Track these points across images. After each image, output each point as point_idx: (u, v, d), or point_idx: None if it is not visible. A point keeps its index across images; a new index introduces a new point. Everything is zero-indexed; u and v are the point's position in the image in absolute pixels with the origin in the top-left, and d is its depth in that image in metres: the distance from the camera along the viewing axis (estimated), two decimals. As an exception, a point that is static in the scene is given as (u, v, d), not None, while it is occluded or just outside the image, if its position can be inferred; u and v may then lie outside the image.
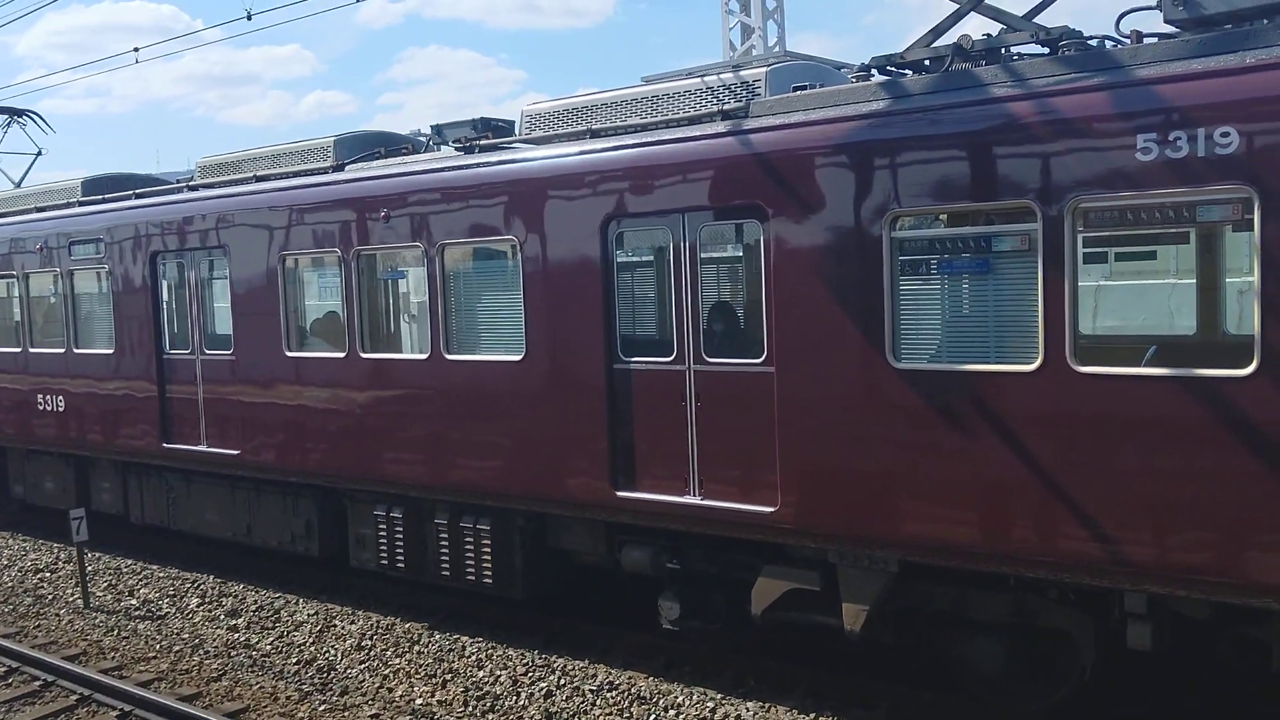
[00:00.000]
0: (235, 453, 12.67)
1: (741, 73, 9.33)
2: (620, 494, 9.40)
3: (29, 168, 18.87)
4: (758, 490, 8.60)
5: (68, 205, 15.48)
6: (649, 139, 9.25)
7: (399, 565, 11.47)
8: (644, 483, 9.31)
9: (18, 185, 18.17)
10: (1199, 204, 6.81)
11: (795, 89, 8.84)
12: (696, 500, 8.96)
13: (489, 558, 10.67)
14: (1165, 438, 6.78)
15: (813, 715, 8.75)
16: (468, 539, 10.81)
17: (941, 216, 7.72)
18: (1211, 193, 6.61)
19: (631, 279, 9.79)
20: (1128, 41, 7.35)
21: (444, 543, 11.02)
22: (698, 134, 8.92)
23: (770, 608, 8.90)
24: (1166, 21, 7.14)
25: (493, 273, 10.65)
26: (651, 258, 9.79)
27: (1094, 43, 7.54)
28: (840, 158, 8.01)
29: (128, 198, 14.38)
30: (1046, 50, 7.67)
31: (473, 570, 10.81)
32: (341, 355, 11.48)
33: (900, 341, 7.83)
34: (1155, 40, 7.15)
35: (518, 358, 9.98)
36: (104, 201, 14.78)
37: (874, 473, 7.97)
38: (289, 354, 11.99)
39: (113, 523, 15.48)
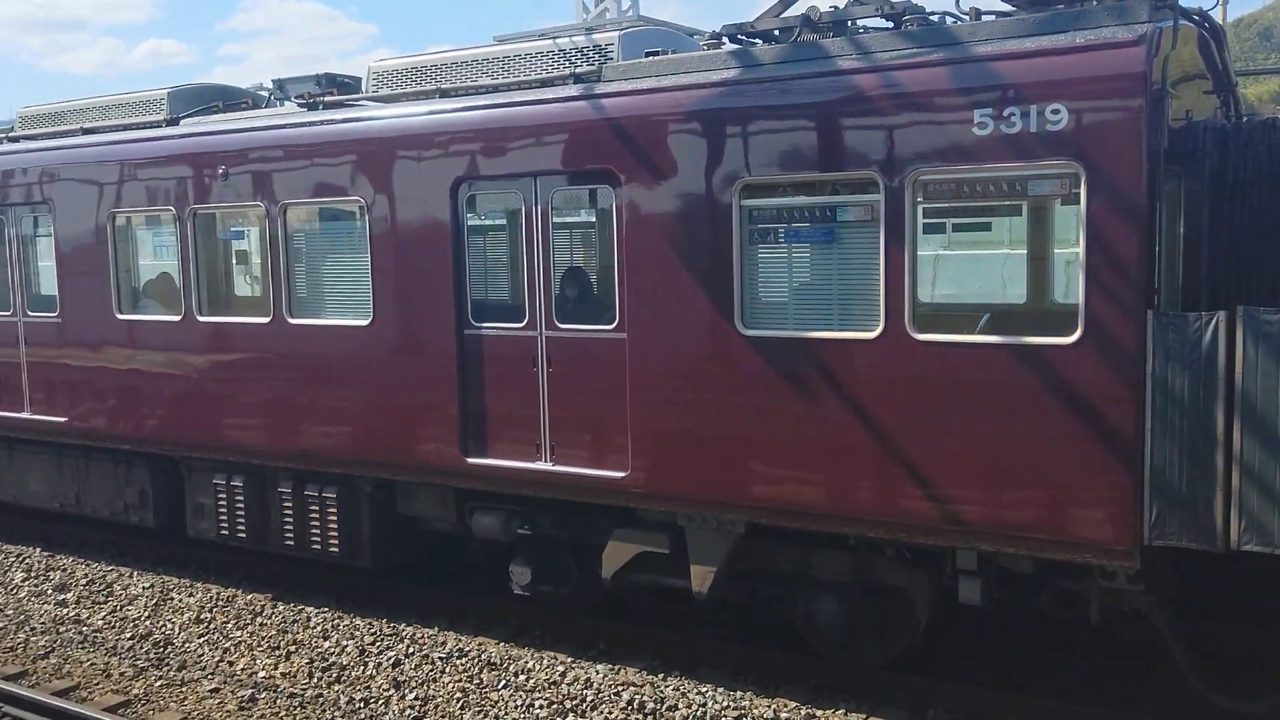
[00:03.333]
0: (62, 420, 12.04)
1: (595, 36, 9.27)
2: (471, 460, 9.30)
3: None
4: (609, 455, 8.63)
5: None
6: (501, 100, 9.10)
7: (240, 535, 11.12)
8: (495, 449, 9.24)
9: None
10: (1030, 178, 7.10)
11: (648, 54, 8.83)
12: (548, 466, 8.94)
13: (335, 526, 10.43)
14: (996, 402, 7.08)
15: (661, 675, 8.90)
16: (313, 507, 10.54)
17: (789, 186, 7.83)
18: (1042, 167, 6.89)
19: (483, 243, 9.66)
20: (967, 18, 7.58)
21: (288, 511, 10.72)
22: (551, 97, 8.83)
23: (620, 571, 8.98)
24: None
25: (339, 234, 10.35)
26: (504, 221, 9.67)
27: (935, 18, 7.76)
28: (692, 125, 8.05)
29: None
30: (891, 24, 7.85)
31: (318, 539, 10.56)
32: (177, 318, 11.01)
33: (748, 309, 7.95)
34: (993, 18, 7.39)
35: (365, 322, 9.74)
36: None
37: (722, 438, 8.09)
38: (120, 316, 11.44)
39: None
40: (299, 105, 10.76)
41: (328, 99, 10.53)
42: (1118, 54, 6.60)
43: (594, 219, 9.47)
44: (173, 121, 11.56)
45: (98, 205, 11.48)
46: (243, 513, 11.06)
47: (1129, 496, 6.74)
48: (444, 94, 9.61)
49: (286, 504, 10.72)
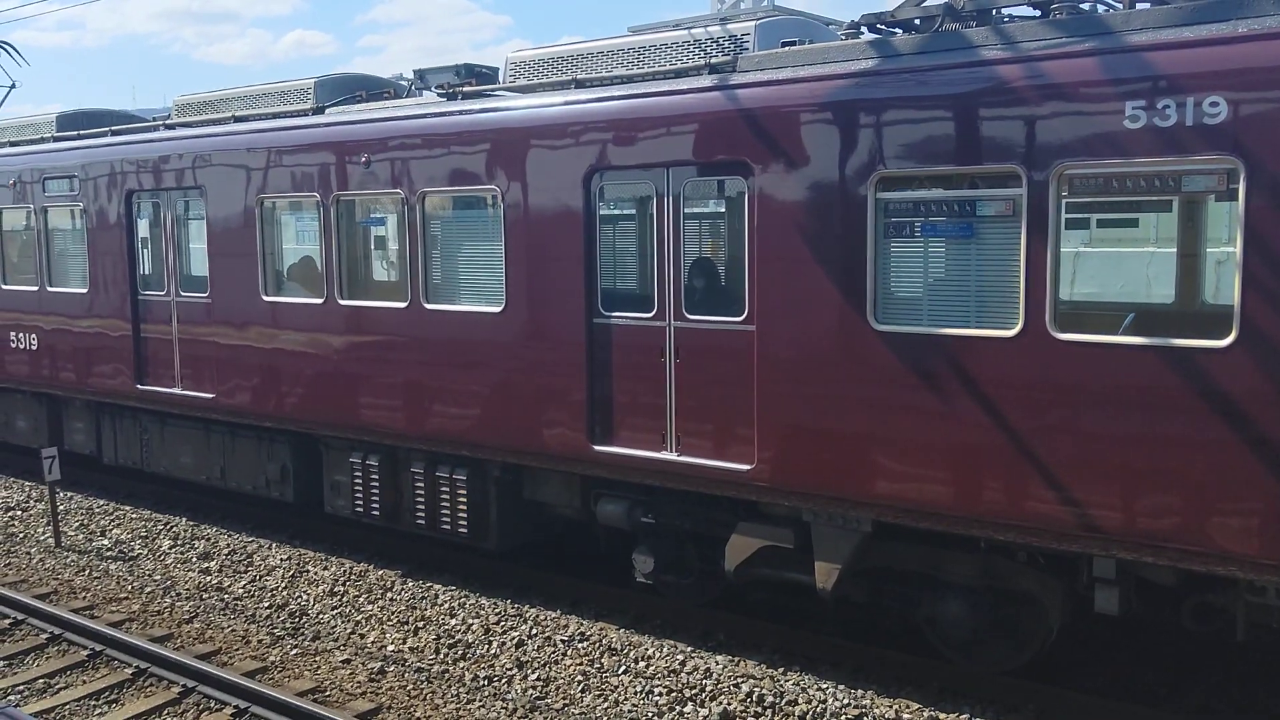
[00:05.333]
0: (210, 396, 12.59)
1: (730, 26, 9.23)
2: (597, 448, 9.39)
3: (2, 101, 18.54)
4: (735, 448, 8.61)
5: (42, 140, 15.22)
6: (635, 90, 9.14)
7: (374, 513, 11.46)
8: (621, 437, 9.31)
9: (-10, 118, 17.82)
10: (1185, 173, 6.80)
11: (784, 44, 8.76)
12: (674, 456, 8.97)
13: (464, 508, 10.67)
14: (1142, 406, 6.81)
15: (781, 669, 8.86)
16: (443, 488, 10.81)
17: (927, 179, 7.67)
18: (1198, 162, 6.59)
19: (614, 233, 9.71)
20: (1120, 6, 7.29)
21: (419, 492, 11.01)
22: (685, 87, 8.82)
23: (743, 564, 8.95)
24: (1159, -14, 7.08)
25: (474, 222, 10.56)
26: (634, 211, 9.71)
27: (1086, 6, 7.49)
28: (827, 116, 7.95)
29: (104, 134, 14.16)
30: (1038, 12, 7.61)
31: (448, 520, 10.82)
32: (319, 301, 11.38)
33: (881, 303, 7.82)
34: (1147, 6, 7.10)
35: (497, 309, 9.92)
36: (79, 137, 14.54)
37: (851, 434, 7.99)
38: (265, 298, 11.89)
39: (85, 463, 15.40)
40: (438, 95, 11.00)
41: (466, 89, 10.73)
42: (1284, 44, 6.25)
43: (726, 210, 9.44)
44: (318, 110, 11.94)
45: (247, 190, 11.94)
46: (377, 491, 11.40)
47: (1281, 509, 6.42)
48: (579, 84, 9.70)
49: (419, 484, 11.00)
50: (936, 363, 7.56)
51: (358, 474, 11.53)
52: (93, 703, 8.91)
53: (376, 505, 11.42)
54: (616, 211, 9.78)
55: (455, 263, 10.66)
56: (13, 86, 17.92)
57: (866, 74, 7.86)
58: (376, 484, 11.39)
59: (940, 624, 8.40)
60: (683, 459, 8.92)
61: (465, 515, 10.68)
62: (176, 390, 13.00)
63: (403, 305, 10.63)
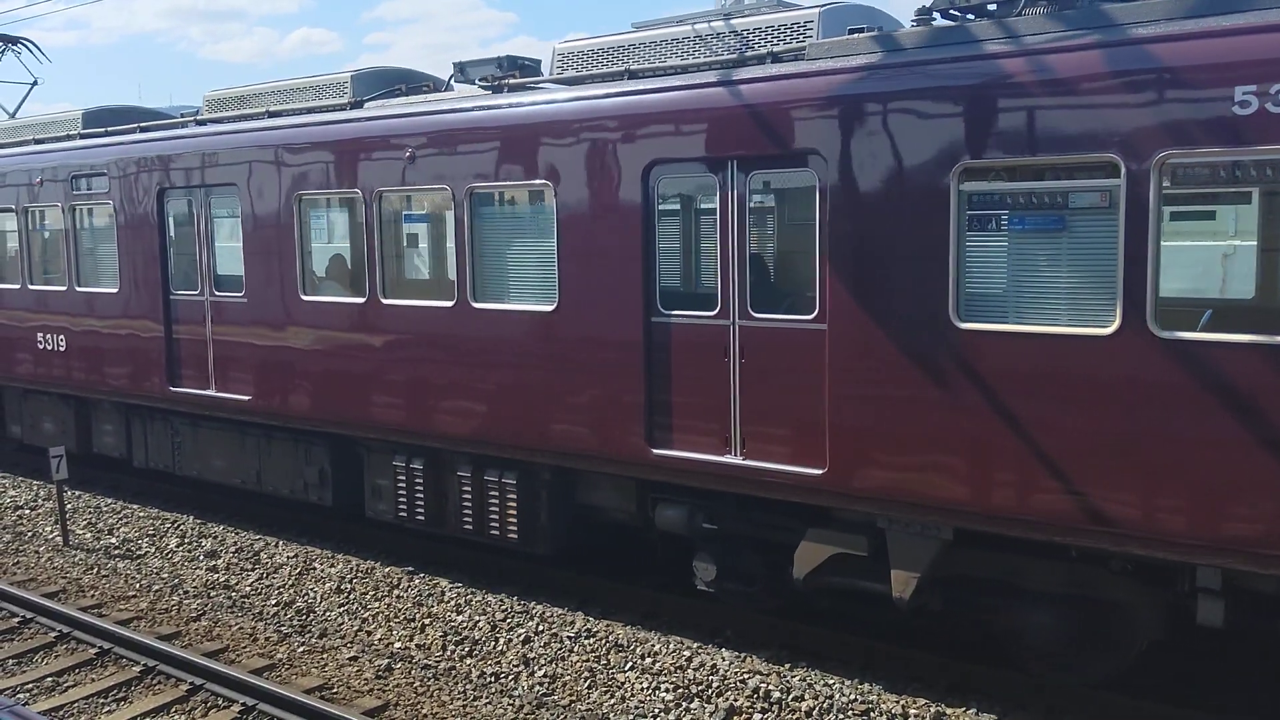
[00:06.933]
0: (246, 398, 12.28)
1: (792, 13, 8.90)
2: (656, 451, 9.06)
3: (24, 98, 18.30)
4: (805, 451, 8.27)
5: (67, 138, 14.93)
6: (697, 80, 8.80)
7: (418, 518, 11.13)
8: (681, 440, 8.97)
9: (13, 115, 17.56)
10: (1301, 162, 6.44)
11: (851, 32, 8.41)
12: (738, 460, 8.63)
13: (514, 512, 10.33)
14: (1248, 408, 6.46)
15: (788, 665, 8.70)
16: (492, 492, 10.48)
17: (1015, 169, 7.32)
18: (1316, 151, 6.23)
19: (674, 228, 9.38)
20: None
21: (466, 496, 10.68)
22: (750, 76, 8.48)
23: (813, 572, 8.61)
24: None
25: (525, 218, 10.21)
26: (696, 206, 9.38)
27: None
28: (906, 104, 7.60)
29: (132, 131, 13.84)
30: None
31: (496, 525, 10.49)
32: (360, 301, 11.06)
33: (965, 300, 7.47)
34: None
35: (550, 308, 9.59)
36: (106, 134, 14.23)
37: (931, 437, 7.63)
38: (304, 298, 11.56)
39: (109, 465, 15.17)
40: (482, 88, 10.66)
41: (511, 82, 10.40)
42: None
43: (794, 204, 9.08)
44: (356, 104, 11.62)
45: (283, 188, 11.62)
46: (421, 496, 11.08)
47: None
48: (633, 75, 9.38)
49: (466, 488, 10.68)
50: (1024, 362, 7.21)
51: (401, 478, 11.21)
52: (101, 700, 8.81)
53: (421, 510, 11.09)
54: (677, 206, 9.45)
55: (505, 260, 10.29)
56: (34, 84, 17.68)
57: (945, 60, 7.51)
58: (421, 488, 11.07)
59: (1025, 634, 8.05)
60: (748, 463, 8.59)
61: (515, 520, 10.35)
62: (211, 392, 12.69)
63: (449, 304, 10.29)
